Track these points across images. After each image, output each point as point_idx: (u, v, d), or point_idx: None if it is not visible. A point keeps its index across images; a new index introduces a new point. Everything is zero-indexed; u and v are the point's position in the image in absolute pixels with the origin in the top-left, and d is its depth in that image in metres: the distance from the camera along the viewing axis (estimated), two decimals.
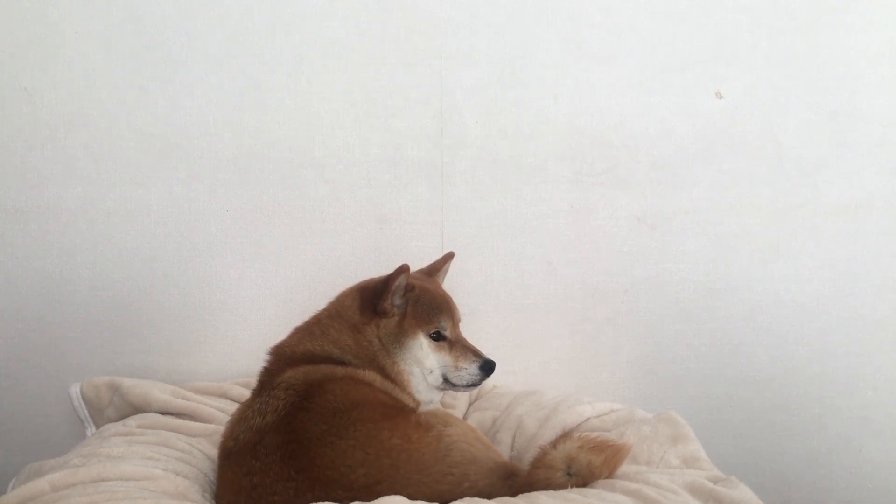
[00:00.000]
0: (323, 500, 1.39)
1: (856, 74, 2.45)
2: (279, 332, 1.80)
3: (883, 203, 2.47)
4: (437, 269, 1.94)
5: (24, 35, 2.23)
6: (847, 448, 2.51)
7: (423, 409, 1.72)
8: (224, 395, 2.19)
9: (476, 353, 1.75)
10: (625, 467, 1.58)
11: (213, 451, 1.77)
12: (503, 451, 1.88)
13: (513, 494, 1.47)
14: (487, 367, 1.74)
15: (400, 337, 1.71)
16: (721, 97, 2.41)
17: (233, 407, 1.94)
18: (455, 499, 1.44)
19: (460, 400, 2.23)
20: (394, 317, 1.72)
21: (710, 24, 2.41)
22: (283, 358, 1.71)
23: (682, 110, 2.43)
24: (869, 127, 2.45)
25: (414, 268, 1.81)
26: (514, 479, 1.51)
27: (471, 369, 1.73)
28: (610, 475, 1.54)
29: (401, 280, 1.68)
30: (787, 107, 2.44)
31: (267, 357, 1.74)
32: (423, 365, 1.72)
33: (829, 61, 2.44)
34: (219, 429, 1.82)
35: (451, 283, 1.97)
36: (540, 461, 1.50)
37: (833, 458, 2.51)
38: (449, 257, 1.97)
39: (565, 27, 2.38)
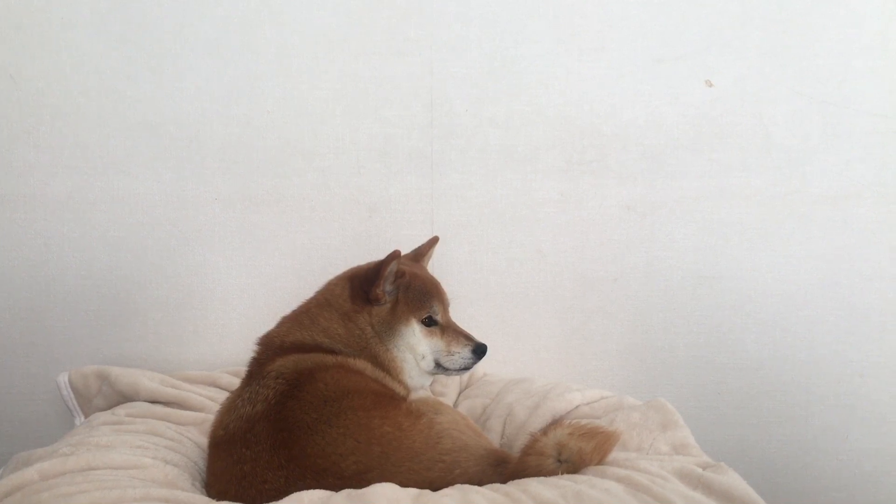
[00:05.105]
0: (314, 489, 1.38)
1: (846, 64, 2.45)
2: (268, 320, 1.80)
3: (871, 193, 2.48)
4: (422, 253, 1.94)
5: (10, 22, 2.21)
6: (834, 434, 2.53)
7: (413, 395, 1.73)
8: (213, 384, 2.19)
9: (468, 338, 1.77)
10: (615, 454, 1.59)
11: (203, 440, 1.77)
12: (493, 439, 1.89)
13: (503, 481, 1.47)
14: (479, 351, 1.75)
15: (393, 324, 1.71)
16: (711, 86, 2.42)
17: (222, 395, 1.93)
18: (446, 486, 1.44)
19: (450, 388, 2.23)
20: (386, 304, 1.71)
21: (700, 14, 2.41)
22: (272, 348, 1.70)
23: (672, 100, 2.43)
24: (858, 117, 2.46)
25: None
26: (505, 466, 1.51)
27: (463, 353, 1.75)
28: (600, 462, 1.54)
29: (392, 266, 1.67)
30: (777, 96, 2.45)
31: (255, 347, 1.73)
32: (415, 351, 1.72)
33: (820, 51, 2.44)
34: (208, 417, 1.81)
35: (442, 271, 1.97)
36: (530, 448, 1.50)
37: (820, 445, 2.53)
38: (434, 242, 1.96)
39: (556, 17, 2.37)
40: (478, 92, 2.37)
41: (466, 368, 1.77)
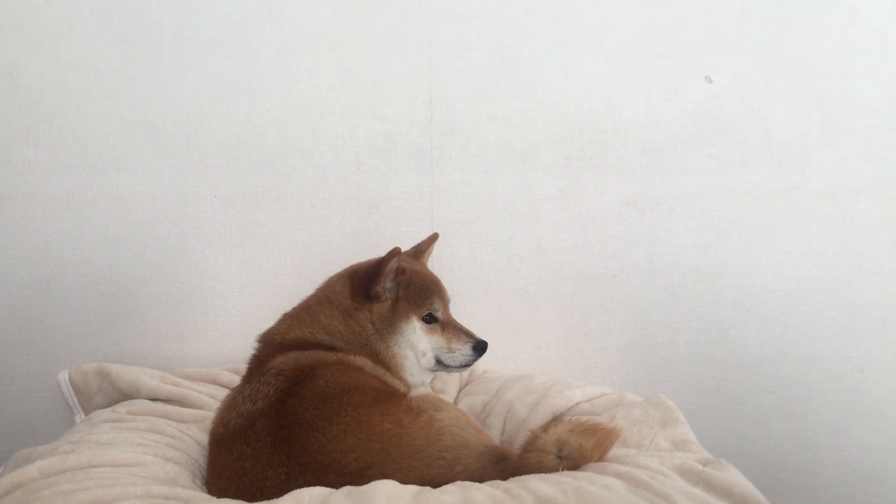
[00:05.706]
0: (314, 486, 1.38)
1: (844, 61, 2.45)
2: (268, 317, 1.80)
3: (870, 188, 2.48)
4: (422, 250, 1.94)
5: (10, 20, 2.21)
6: (834, 430, 2.53)
7: (413, 391, 1.73)
8: (214, 381, 2.19)
9: (468, 334, 1.77)
10: (615, 450, 1.58)
11: (203, 437, 1.77)
12: (494, 436, 1.89)
13: (504, 478, 1.47)
14: (480, 348, 1.76)
15: (393, 321, 1.71)
16: (711, 82, 2.41)
17: (223, 393, 1.93)
18: (446, 482, 1.44)
19: (451, 385, 2.23)
20: (386, 301, 1.71)
21: (699, 11, 2.41)
22: (273, 345, 1.70)
23: (671, 96, 2.43)
24: (857, 113, 2.46)
25: None
26: (505, 463, 1.51)
27: (464, 350, 1.75)
28: (600, 458, 1.54)
29: (393, 263, 1.67)
30: (776, 93, 2.45)
31: (256, 344, 1.73)
32: (416, 348, 1.72)
33: (818, 48, 2.44)
34: (209, 415, 1.81)
35: (441, 268, 1.97)
36: (531, 445, 1.50)
37: (820, 441, 2.53)
38: (434, 238, 1.97)
39: (556, 15, 2.37)
40: (477, 89, 2.37)
41: (467, 365, 1.77)
